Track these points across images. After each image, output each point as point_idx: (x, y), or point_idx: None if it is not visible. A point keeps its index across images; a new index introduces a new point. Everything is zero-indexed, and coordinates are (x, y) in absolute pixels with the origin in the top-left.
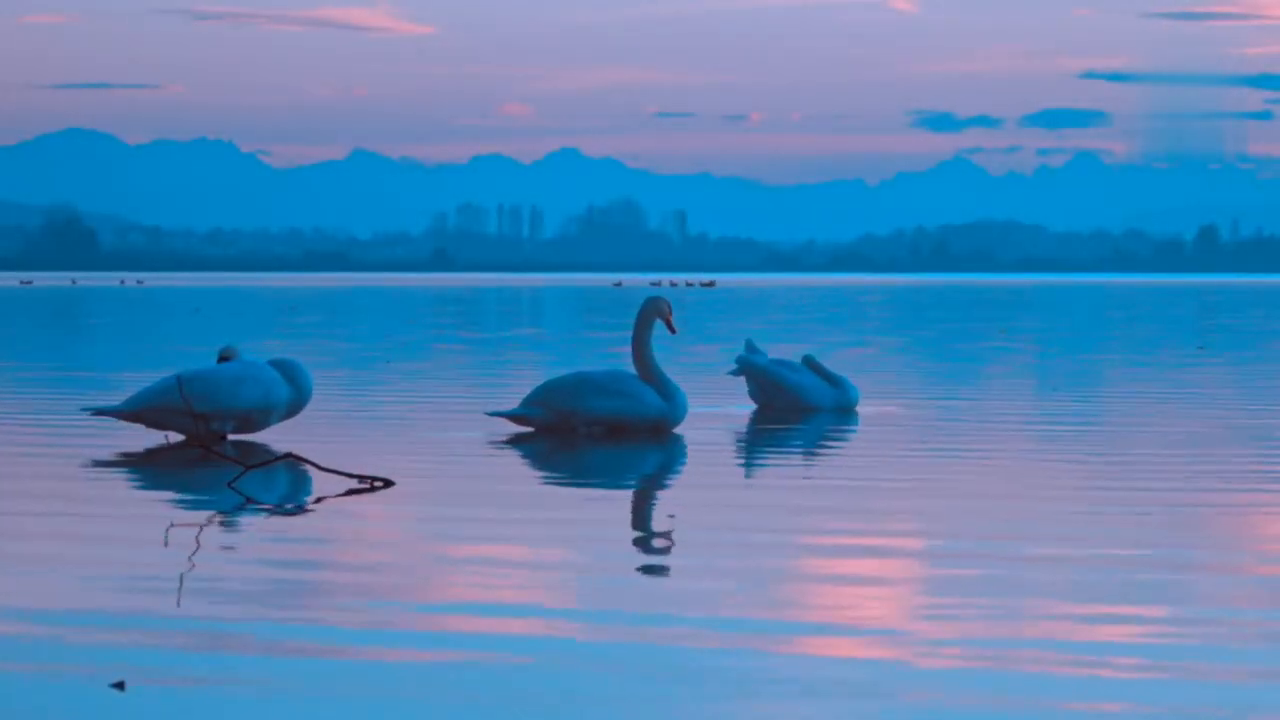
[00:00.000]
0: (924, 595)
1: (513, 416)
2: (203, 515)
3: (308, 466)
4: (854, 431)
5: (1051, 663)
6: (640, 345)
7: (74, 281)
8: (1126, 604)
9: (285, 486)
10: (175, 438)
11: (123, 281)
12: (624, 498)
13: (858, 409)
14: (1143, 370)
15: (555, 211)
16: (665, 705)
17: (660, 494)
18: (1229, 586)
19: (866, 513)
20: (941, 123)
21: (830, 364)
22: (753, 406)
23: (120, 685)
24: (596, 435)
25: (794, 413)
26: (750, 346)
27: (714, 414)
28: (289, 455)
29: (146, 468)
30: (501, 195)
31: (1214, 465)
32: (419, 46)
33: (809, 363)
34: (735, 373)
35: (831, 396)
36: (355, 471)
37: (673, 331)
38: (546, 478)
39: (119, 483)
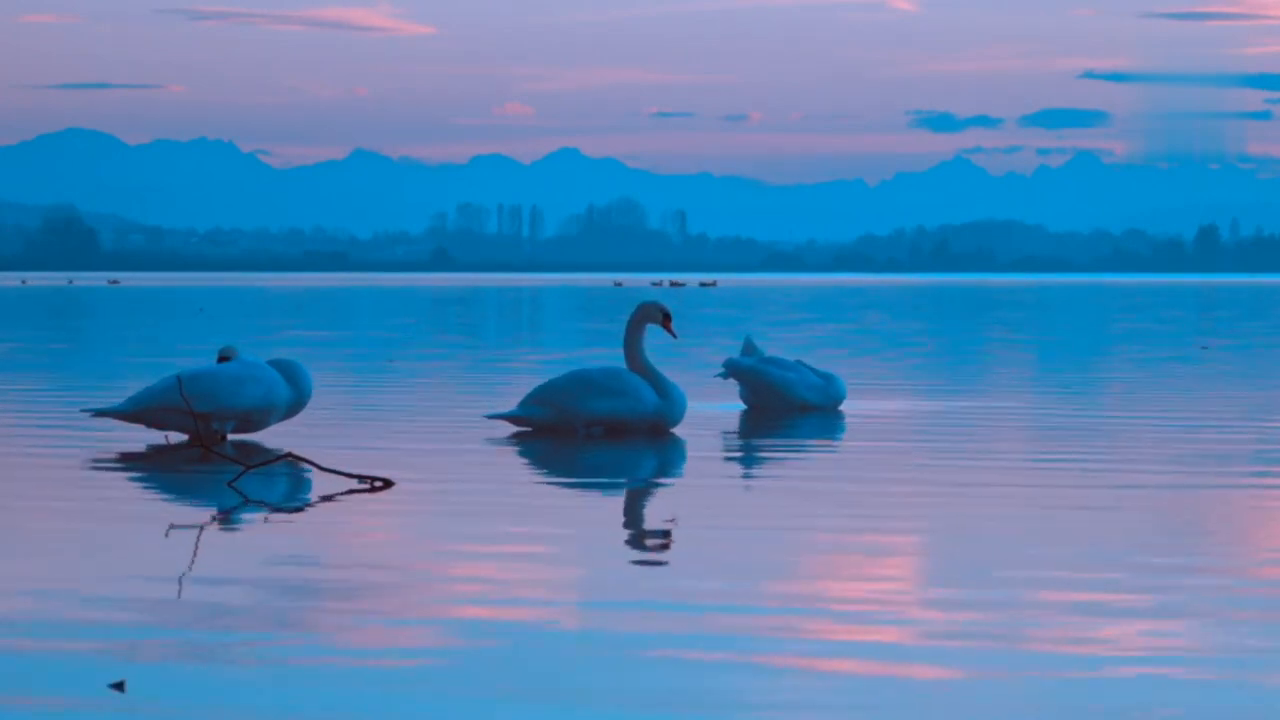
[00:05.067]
0: (923, 594)
1: (512, 417)
2: (203, 515)
3: (308, 466)
4: (852, 430)
5: (1053, 664)
6: (631, 347)
7: (70, 281)
8: (1127, 603)
9: (285, 486)
10: (175, 438)
11: (111, 282)
12: (623, 497)
13: (857, 407)
14: (1146, 369)
15: (555, 211)
16: (664, 703)
17: (658, 493)
18: (1232, 585)
19: (864, 512)
20: (941, 123)
21: (829, 363)
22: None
23: (120, 685)
24: (595, 435)
25: (788, 411)
26: (749, 345)
27: (711, 413)
28: (289, 455)
29: (146, 468)
30: (501, 195)
31: (1218, 464)
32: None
33: (801, 365)
34: (723, 375)
35: (820, 391)
36: (355, 471)
37: (674, 336)
38: (546, 478)
39: (119, 483)
